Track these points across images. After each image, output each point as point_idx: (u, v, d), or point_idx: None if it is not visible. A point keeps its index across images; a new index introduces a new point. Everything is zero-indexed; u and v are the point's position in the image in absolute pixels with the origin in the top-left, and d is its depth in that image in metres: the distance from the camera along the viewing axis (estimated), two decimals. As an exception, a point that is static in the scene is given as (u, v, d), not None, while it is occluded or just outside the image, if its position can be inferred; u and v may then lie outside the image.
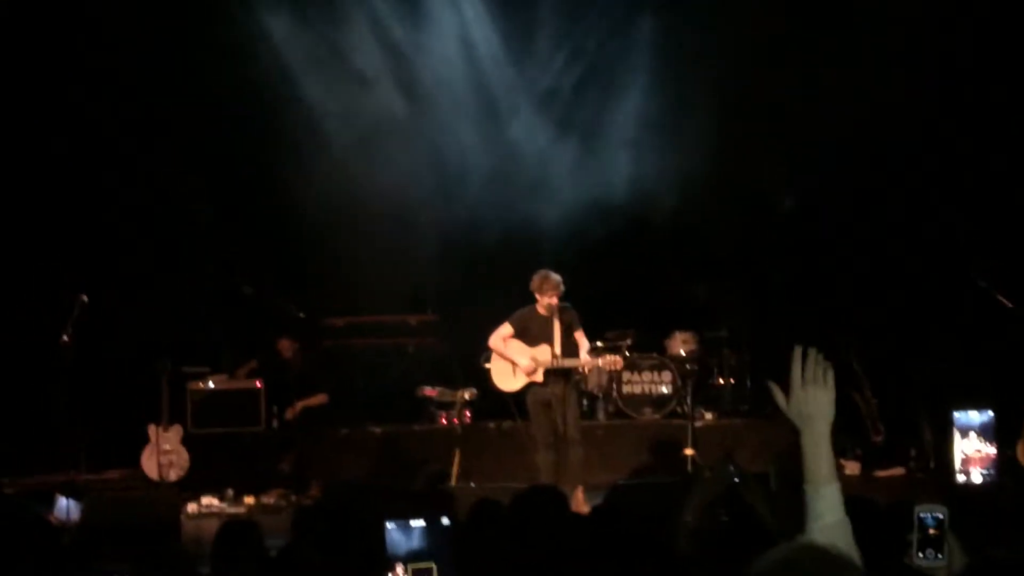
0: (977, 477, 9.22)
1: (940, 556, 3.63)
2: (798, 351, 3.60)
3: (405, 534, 4.72)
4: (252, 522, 5.79)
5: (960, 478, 9.21)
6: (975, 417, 9.27)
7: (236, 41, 11.88)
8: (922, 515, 3.66)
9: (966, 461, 9.23)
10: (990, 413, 9.29)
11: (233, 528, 5.55)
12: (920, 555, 3.66)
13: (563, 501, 5.44)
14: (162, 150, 12.04)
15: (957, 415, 9.27)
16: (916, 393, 11.09)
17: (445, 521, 4.88)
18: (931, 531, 3.65)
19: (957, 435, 9.26)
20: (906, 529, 3.71)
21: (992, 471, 9.21)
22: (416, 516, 4.73)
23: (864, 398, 11.38)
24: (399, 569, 4.66)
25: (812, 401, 3.58)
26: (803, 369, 3.59)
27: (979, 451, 9.22)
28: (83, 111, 11.79)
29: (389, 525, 4.71)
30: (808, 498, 3.56)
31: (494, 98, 12.88)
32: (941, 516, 3.65)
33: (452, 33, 12.75)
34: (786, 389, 3.61)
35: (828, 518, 3.52)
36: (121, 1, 11.68)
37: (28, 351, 11.32)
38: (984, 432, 9.24)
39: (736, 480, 5.92)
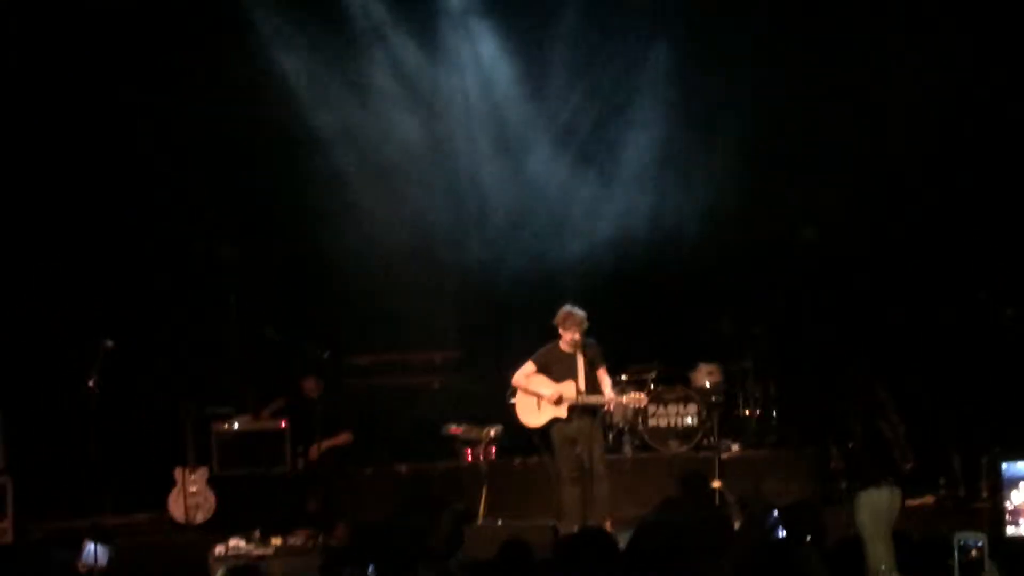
0: None
1: None
2: None
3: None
4: (254, 566, 5.74)
5: (1011, 530, 8.92)
6: None
7: (253, 80, 11.95)
8: (962, 541, 3.68)
9: (1016, 512, 9.02)
10: None
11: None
12: None
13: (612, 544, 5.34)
14: (184, 193, 12.11)
15: (1006, 465, 9.01)
16: (944, 420, 11.00)
17: None
18: (973, 552, 3.66)
19: (1007, 486, 8.99)
20: (942, 559, 3.70)
21: None
22: None
23: (891, 425, 11.28)
24: None
25: None
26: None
27: None
28: (105, 157, 11.88)
29: None
30: None
31: (512, 134, 12.90)
32: (980, 543, 3.66)
33: (470, 69, 12.80)
34: None
35: None
36: (139, 45, 11.76)
37: (55, 396, 11.37)
38: None
39: (779, 535, 5.84)
